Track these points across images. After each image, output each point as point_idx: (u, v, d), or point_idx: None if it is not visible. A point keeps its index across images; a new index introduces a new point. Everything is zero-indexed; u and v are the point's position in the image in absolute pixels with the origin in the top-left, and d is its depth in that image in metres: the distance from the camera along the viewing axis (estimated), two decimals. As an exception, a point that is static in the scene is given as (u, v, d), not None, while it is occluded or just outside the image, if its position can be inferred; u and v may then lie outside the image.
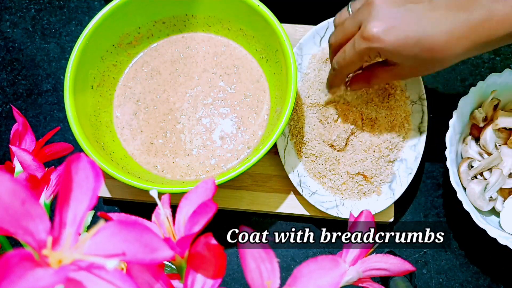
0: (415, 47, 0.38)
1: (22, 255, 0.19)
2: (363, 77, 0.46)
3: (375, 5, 0.38)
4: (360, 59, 0.40)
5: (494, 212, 0.49)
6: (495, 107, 0.50)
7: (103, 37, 0.49)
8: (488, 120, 0.50)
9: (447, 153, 0.46)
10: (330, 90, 0.49)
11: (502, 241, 0.43)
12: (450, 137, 0.47)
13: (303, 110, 0.51)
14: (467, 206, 0.45)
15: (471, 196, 0.47)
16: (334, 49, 0.44)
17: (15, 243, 0.29)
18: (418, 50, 0.38)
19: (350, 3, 0.44)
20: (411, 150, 0.50)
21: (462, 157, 0.51)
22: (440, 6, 0.37)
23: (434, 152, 0.53)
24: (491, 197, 0.47)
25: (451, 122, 0.47)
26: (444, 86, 0.56)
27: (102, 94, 0.51)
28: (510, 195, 0.48)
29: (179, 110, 0.52)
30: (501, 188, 0.48)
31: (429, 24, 0.37)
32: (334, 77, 0.45)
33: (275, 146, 0.50)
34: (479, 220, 0.44)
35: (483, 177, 0.49)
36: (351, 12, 0.43)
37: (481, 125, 0.50)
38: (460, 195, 0.45)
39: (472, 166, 0.49)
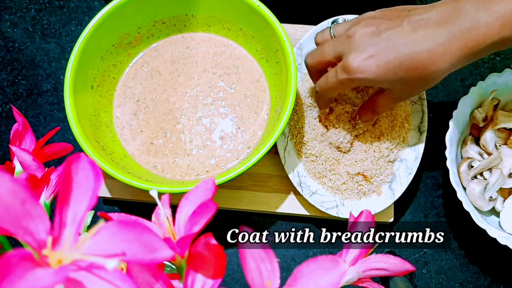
0: (399, 71, 0.38)
1: (22, 255, 0.19)
2: (368, 107, 0.46)
3: (354, 38, 0.39)
4: (342, 87, 0.41)
5: (494, 212, 0.49)
6: (495, 107, 0.50)
7: (103, 37, 0.49)
8: (488, 120, 0.50)
9: (447, 153, 0.46)
10: (319, 110, 0.49)
11: (502, 241, 0.43)
12: (450, 137, 0.47)
13: (303, 110, 0.51)
14: (467, 206, 0.45)
15: (471, 196, 0.47)
16: (310, 69, 0.45)
17: (15, 243, 0.29)
18: (403, 72, 0.38)
19: (332, 25, 0.44)
20: (411, 150, 0.50)
21: (462, 157, 0.51)
22: (420, 26, 0.37)
23: (434, 152, 0.53)
24: (491, 197, 0.47)
25: (451, 122, 0.47)
26: (444, 86, 0.56)
27: (102, 94, 0.51)
28: (510, 195, 0.48)
29: (179, 110, 0.52)
30: (501, 188, 0.48)
31: (410, 45, 0.37)
32: (318, 100, 0.47)
33: (275, 146, 0.50)
34: (479, 220, 0.44)
35: (483, 177, 0.49)
36: (333, 35, 0.43)
37: (481, 125, 0.50)
38: (460, 195, 0.45)
39: (472, 166, 0.49)
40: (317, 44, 0.46)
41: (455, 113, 0.47)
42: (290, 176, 0.49)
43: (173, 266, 0.34)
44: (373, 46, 0.38)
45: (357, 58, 0.38)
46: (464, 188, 0.48)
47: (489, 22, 0.35)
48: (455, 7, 0.37)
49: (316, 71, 0.45)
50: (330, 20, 0.52)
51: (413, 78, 0.38)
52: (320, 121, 0.50)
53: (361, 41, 0.39)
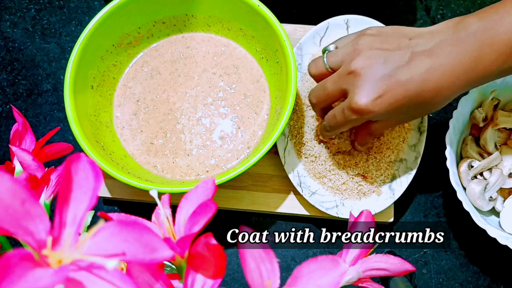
0: (407, 104, 0.38)
1: (22, 255, 0.19)
2: (365, 133, 0.45)
3: (358, 74, 0.38)
4: (351, 125, 0.41)
5: (494, 212, 0.49)
6: (495, 107, 0.50)
7: (103, 37, 0.49)
8: (488, 120, 0.50)
9: (447, 153, 0.46)
10: (323, 137, 0.49)
11: (502, 241, 0.43)
12: (450, 137, 0.47)
13: (303, 110, 0.51)
14: (467, 206, 0.45)
15: (471, 196, 0.47)
16: (314, 107, 0.45)
17: (15, 243, 0.29)
18: (411, 105, 0.38)
19: (325, 55, 0.43)
20: (411, 150, 0.50)
21: (462, 157, 0.51)
22: (424, 57, 0.37)
23: (434, 152, 0.53)
24: (491, 197, 0.47)
25: (451, 122, 0.47)
26: (444, 86, 0.56)
27: (102, 94, 0.51)
28: (510, 195, 0.48)
29: (179, 110, 0.52)
30: (501, 188, 0.48)
31: (416, 81, 0.36)
32: (326, 134, 0.46)
33: (275, 146, 0.50)
34: (479, 220, 0.44)
35: (483, 177, 0.49)
36: (328, 67, 0.42)
37: (481, 125, 0.50)
38: (460, 195, 0.45)
39: (472, 166, 0.49)
40: (312, 76, 0.44)
41: (455, 113, 0.47)
42: (290, 176, 0.49)
43: (173, 266, 0.34)
44: (380, 84, 0.37)
45: (365, 98, 0.37)
46: (464, 188, 0.48)
47: (492, 58, 0.35)
48: (457, 38, 0.36)
49: (320, 108, 0.44)
50: (330, 20, 0.52)
51: (419, 110, 0.39)
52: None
53: (366, 78, 0.38)
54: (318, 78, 0.44)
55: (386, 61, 0.38)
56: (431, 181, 0.53)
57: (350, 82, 0.39)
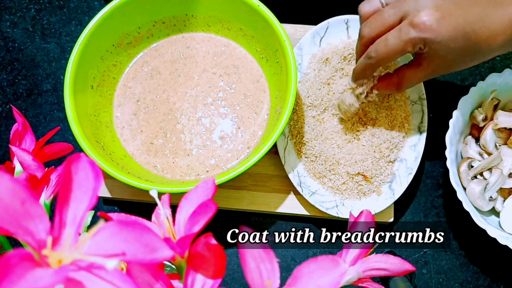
0: (462, 40, 0.37)
1: (22, 255, 0.19)
2: (393, 81, 0.43)
3: None
4: (403, 49, 0.38)
5: (494, 212, 0.49)
6: (495, 107, 0.50)
7: (103, 37, 0.49)
8: (488, 120, 0.50)
9: (447, 153, 0.46)
10: (356, 81, 0.45)
11: (502, 241, 0.43)
12: (450, 137, 0.47)
13: (303, 110, 0.51)
14: (467, 206, 0.45)
15: (471, 196, 0.47)
16: (366, 42, 0.41)
17: (15, 243, 0.29)
18: (464, 43, 0.37)
19: None
20: (411, 150, 0.50)
21: (462, 157, 0.51)
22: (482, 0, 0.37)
23: (434, 152, 0.53)
24: (491, 197, 0.47)
25: (451, 122, 0.47)
26: (444, 86, 0.56)
27: (102, 94, 0.51)
28: (510, 195, 0.48)
29: (179, 110, 0.52)
30: (501, 188, 0.48)
31: (473, 18, 0.36)
32: (366, 67, 0.42)
33: (275, 146, 0.50)
34: (479, 220, 0.44)
35: (483, 177, 0.49)
36: (383, 2, 0.40)
37: (481, 125, 0.50)
38: (460, 195, 0.45)
39: (472, 166, 0.49)
40: (363, 15, 0.42)
41: (455, 113, 0.47)
42: (290, 176, 0.49)
43: (173, 266, 0.34)
44: (442, 8, 0.36)
45: (431, 16, 0.36)
46: (464, 188, 0.48)
47: None
48: None
49: (371, 42, 0.40)
50: (331, 20, 0.52)
51: (469, 50, 0.38)
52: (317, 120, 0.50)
53: (430, 0, 0.36)
54: (369, 17, 0.41)
55: None
56: (431, 181, 0.53)
57: (412, 3, 0.37)
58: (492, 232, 0.44)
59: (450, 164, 0.46)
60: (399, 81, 0.42)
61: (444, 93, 0.56)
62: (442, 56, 0.38)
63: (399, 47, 0.38)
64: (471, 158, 0.49)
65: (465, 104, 0.49)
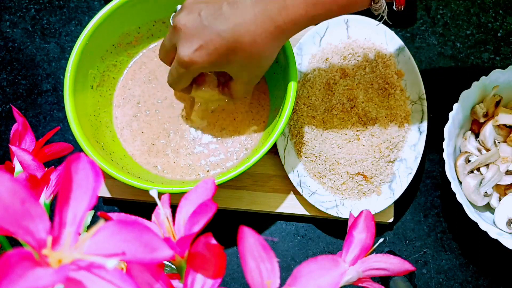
0: (229, 55, 0.39)
1: (22, 254, 0.19)
2: (227, 93, 0.46)
3: (180, 28, 0.40)
4: (186, 79, 0.42)
5: (489, 208, 0.49)
6: (497, 103, 0.50)
7: (103, 37, 0.49)
8: (489, 116, 0.50)
9: (444, 145, 0.46)
10: (175, 89, 0.48)
11: (493, 235, 0.43)
12: (449, 129, 0.46)
13: (303, 110, 0.51)
14: (460, 198, 0.44)
15: (466, 190, 0.47)
16: (164, 62, 0.45)
17: (15, 243, 0.29)
18: (233, 55, 0.39)
19: (173, 14, 0.44)
20: (411, 150, 0.50)
21: (461, 152, 0.51)
22: (237, 8, 0.38)
23: (434, 152, 0.53)
24: (486, 192, 0.47)
25: (450, 114, 0.47)
26: (444, 86, 0.56)
27: (102, 94, 0.51)
28: (506, 192, 0.48)
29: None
30: (497, 185, 0.48)
31: (230, 30, 0.38)
32: (174, 88, 0.46)
33: (275, 146, 0.50)
34: (471, 212, 0.44)
35: (480, 172, 0.49)
36: (171, 23, 0.44)
37: (482, 120, 0.50)
38: (455, 187, 0.45)
39: (469, 161, 0.49)
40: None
41: (455, 106, 0.47)
42: (290, 176, 0.49)
43: (173, 266, 0.34)
44: (199, 36, 0.39)
45: (187, 50, 0.39)
46: (460, 182, 0.48)
47: (295, 4, 0.38)
48: None
49: (169, 63, 0.45)
50: (331, 20, 0.52)
51: (244, 59, 0.40)
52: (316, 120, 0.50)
53: (186, 32, 0.39)
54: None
55: (203, 13, 0.39)
56: (431, 181, 0.53)
57: (177, 37, 0.40)
58: (483, 225, 0.44)
59: (446, 156, 0.45)
60: (229, 92, 0.46)
61: (444, 93, 0.56)
62: (231, 71, 0.42)
63: (181, 78, 0.42)
64: (469, 153, 0.49)
65: (466, 98, 0.48)
